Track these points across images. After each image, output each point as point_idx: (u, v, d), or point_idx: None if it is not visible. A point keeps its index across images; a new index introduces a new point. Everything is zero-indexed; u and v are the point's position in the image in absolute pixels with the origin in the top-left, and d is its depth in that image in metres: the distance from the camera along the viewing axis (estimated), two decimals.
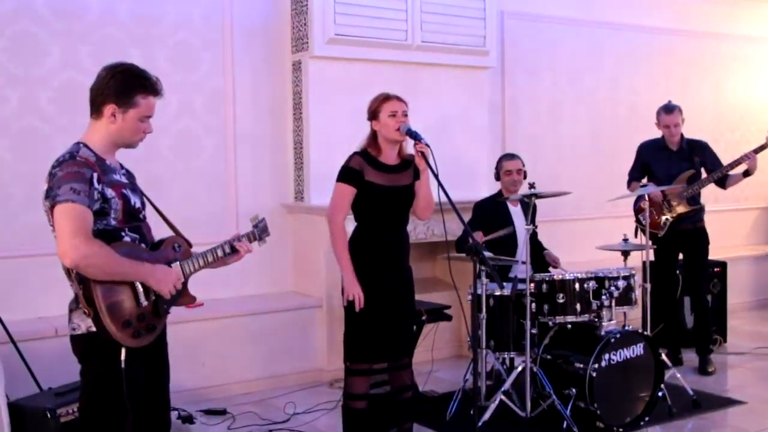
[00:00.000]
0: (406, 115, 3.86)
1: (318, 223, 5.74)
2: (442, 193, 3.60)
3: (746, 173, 5.68)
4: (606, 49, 7.65)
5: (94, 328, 2.66)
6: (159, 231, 3.06)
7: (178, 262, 2.91)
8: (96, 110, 2.80)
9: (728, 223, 8.31)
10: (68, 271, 2.67)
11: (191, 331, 5.28)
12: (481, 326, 4.70)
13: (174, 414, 4.76)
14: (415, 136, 3.74)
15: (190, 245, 3.02)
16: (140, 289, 2.72)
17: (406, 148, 3.97)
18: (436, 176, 3.68)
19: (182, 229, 5.56)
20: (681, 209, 5.78)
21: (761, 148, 5.66)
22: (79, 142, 2.80)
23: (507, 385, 4.62)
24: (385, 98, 3.89)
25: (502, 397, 4.56)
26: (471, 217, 5.42)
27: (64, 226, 2.59)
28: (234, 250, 3.11)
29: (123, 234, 2.77)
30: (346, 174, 3.86)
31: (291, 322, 5.67)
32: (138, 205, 2.88)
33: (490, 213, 5.36)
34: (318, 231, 5.73)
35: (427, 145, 3.73)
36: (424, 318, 5.01)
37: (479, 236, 4.97)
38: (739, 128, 8.55)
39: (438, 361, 5.74)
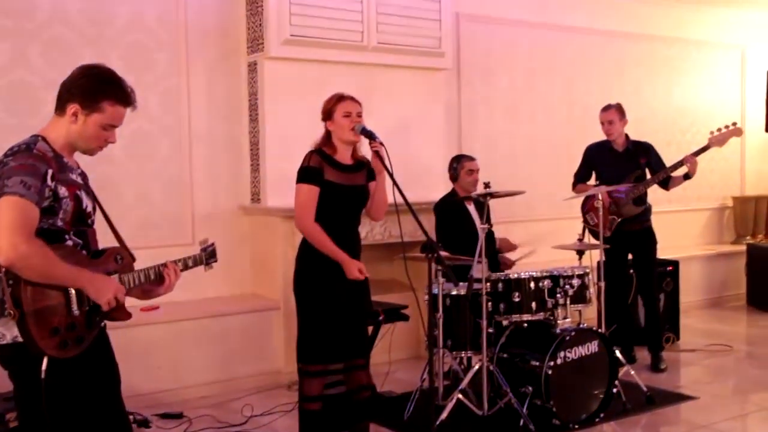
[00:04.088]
0: (360, 116, 3.86)
1: (275, 224, 5.72)
2: (398, 194, 3.62)
3: (686, 176, 5.78)
4: (560, 51, 7.74)
5: (20, 339, 2.48)
6: (106, 239, 2.89)
7: (117, 275, 2.73)
8: (60, 106, 2.68)
9: (681, 223, 8.46)
10: None
11: (147, 333, 5.22)
12: (437, 326, 4.72)
13: (130, 418, 4.69)
14: (370, 136, 3.75)
15: (133, 259, 2.84)
16: (74, 296, 2.55)
17: (360, 150, 3.98)
18: (391, 176, 3.69)
19: (138, 231, 5.54)
20: (628, 210, 5.86)
21: (701, 151, 5.76)
22: (37, 134, 2.67)
23: (464, 384, 4.65)
24: (340, 98, 3.89)
25: (459, 396, 4.59)
26: (437, 220, 5.45)
27: (6, 219, 2.43)
28: (160, 278, 2.87)
29: (67, 237, 2.63)
30: (308, 174, 3.84)
31: (248, 324, 5.63)
32: (89, 209, 2.74)
33: (451, 213, 5.40)
34: (275, 232, 5.71)
35: (382, 144, 3.74)
36: (381, 318, 5.01)
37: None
38: (690, 130, 8.70)
39: (396, 361, 5.74)
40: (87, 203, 2.72)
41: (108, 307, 2.63)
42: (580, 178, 6.15)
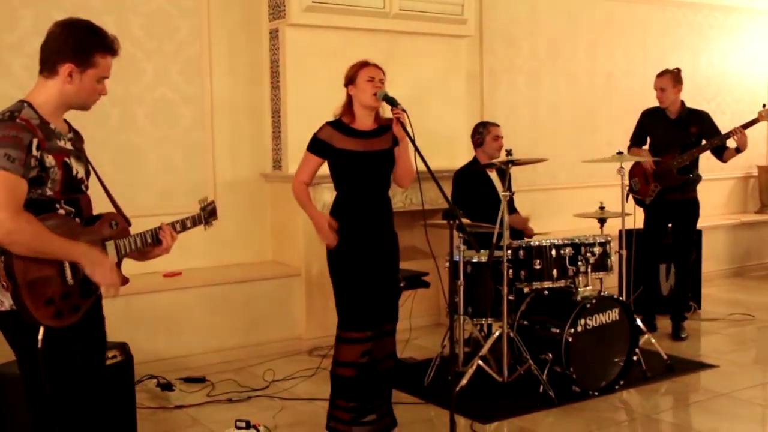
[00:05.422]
0: (382, 82, 3.86)
1: None
2: (420, 161, 3.62)
3: (737, 149, 5.72)
4: (584, 18, 7.65)
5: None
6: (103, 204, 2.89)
7: (113, 241, 2.70)
8: (50, 69, 2.59)
9: (705, 192, 8.29)
10: None
11: (170, 299, 5.29)
12: (458, 293, 4.74)
13: (153, 381, 4.79)
14: (391, 102, 3.75)
15: (128, 224, 2.82)
16: (68, 266, 2.52)
17: (383, 114, 3.97)
18: (413, 142, 3.69)
19: (160, 198, 5.58)
20: (668, 179, 5.81)
21: (749, 124, 5.70)
22: (23, 100, 2.59)
23: (484, 351, 4.67)
24: (363, 64, 3.90)
25: (480, 362, 4.61)
26: (454, 188, 5.44)
27: None
28: (157, 240, 2.85)
29: (58, 206, 2.57)
30: (313, 144, 3.94)
31: (270, 290, 5.68)
32: (80, 175, 2.67)
33: (473, 181, 5.39)
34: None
35: (404, 111, 3.73)
36: (402, 285, 5.04)
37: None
38: (715, 98, 8.60)
39: (416, 328, 5.78)
40: (77, 169, 2.66)
41: (104, 287, 2.59)
42: (635, 142, 6.10)
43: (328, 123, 3.93)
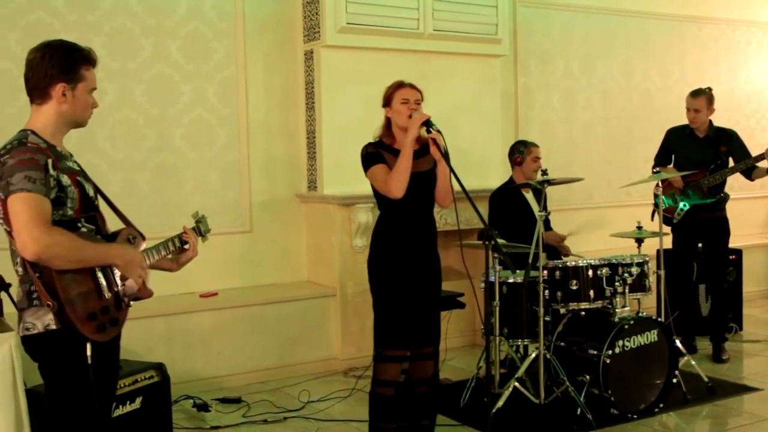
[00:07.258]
0: (418, 103, 3.84)
1: (332, 212, 5.75)
2: (455, 182, 3.60)
3: None
4: (619, 36, 7.61)
5: (53, 326, 2.51)
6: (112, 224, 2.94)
7: None
8: (41, 94, 2.63)
9: (744, 211, 8.23)
10: (24, 266, 2.53)
11: (206, 320, 5.32)
12: (494, 314, 4.70)
13: (189, 402, 4.81)
14: (427, 123, 3.73)
15: (143, 237, 2.87)
16: (102, 281, 2.59)
17: (423, 134, 3.95)
18: (448, 164, 3.67)
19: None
20: (698, 198, 5.74)
21: None
22: (24, 129, 2.63)
23: (520, 373, 4.62)
24: (399, 85, 3.89)
25: (516, 384, 4.56)
26: (491, 209, 5.41)
27: (21, 217, 2.42)
28: (183, 243, 2.98)
29: (79, 225, 2.62)
30: (371, 158, 3.83)
31: (305, 311, 5.69)
32: (91, 193, 2.74)
33: (509, 201, 5.36)
34: (332, 220, 5.74)
35: (439, 132, 3.72)
36: None
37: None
38: (755, 116, 8.48)
39: (452, 349, 5.73)
40: (89, 188, 2.73)
41: (140, 280, 2.68)
42: (660, 161, 6.01)
43: (371, 143, 3.90)
